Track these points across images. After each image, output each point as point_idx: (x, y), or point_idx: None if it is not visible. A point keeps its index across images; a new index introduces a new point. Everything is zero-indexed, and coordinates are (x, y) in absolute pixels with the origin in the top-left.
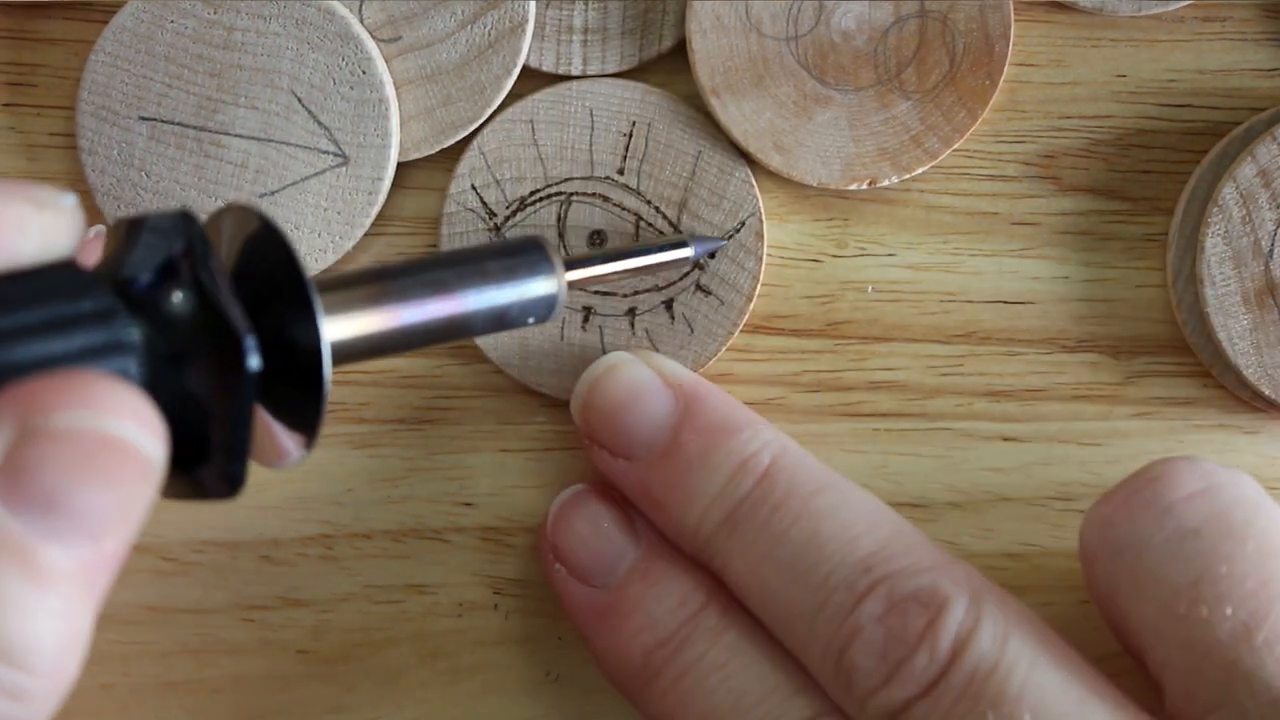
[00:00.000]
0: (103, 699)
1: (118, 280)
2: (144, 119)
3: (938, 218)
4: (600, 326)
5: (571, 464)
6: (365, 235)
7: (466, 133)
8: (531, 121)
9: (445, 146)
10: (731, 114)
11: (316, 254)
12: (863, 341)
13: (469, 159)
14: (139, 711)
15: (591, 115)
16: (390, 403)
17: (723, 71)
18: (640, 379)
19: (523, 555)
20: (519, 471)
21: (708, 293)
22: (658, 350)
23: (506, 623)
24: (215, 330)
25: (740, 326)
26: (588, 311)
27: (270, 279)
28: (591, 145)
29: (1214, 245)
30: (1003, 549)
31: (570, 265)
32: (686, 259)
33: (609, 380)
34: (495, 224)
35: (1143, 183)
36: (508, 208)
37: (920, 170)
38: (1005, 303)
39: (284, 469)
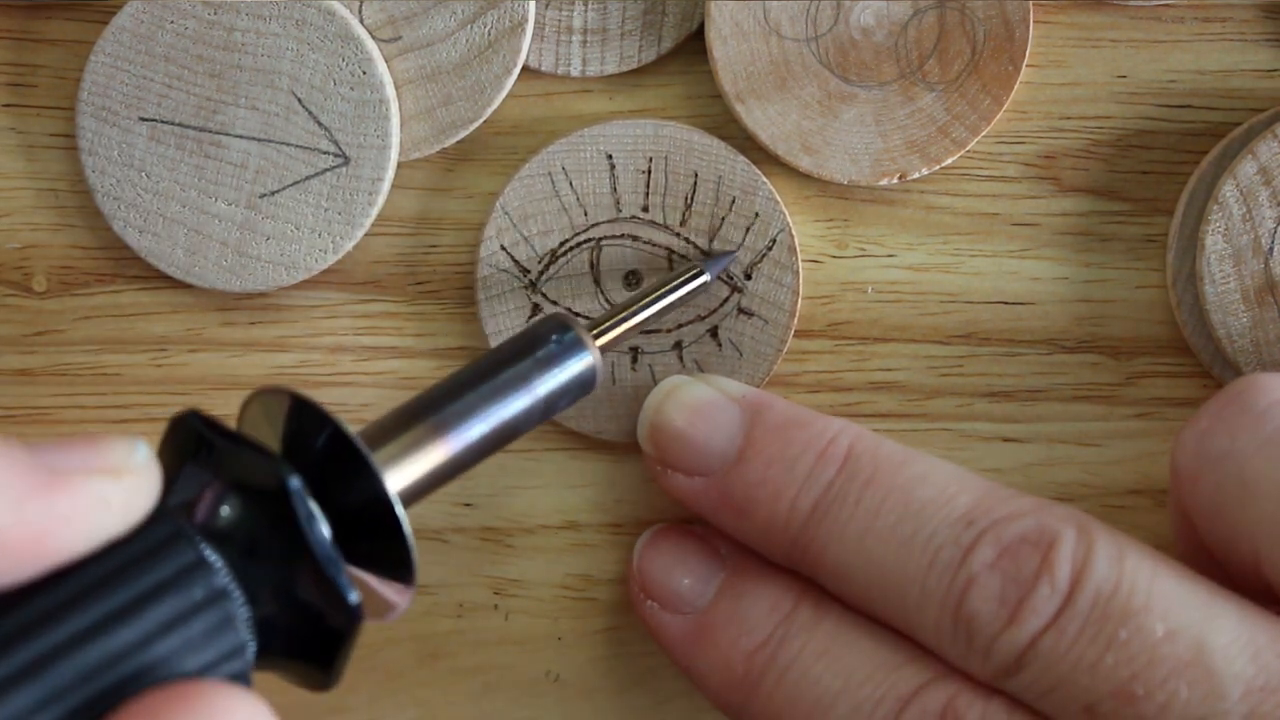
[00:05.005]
0: None
1: (207, 527)
2: (144, 119)
3: (938, 218)
4: (650, 365)
5: (571, 464)
6: (365, 235)
7: (467, 132)
8: (550, 174)
9: (445, 146)
10: (757, 118)
11: (316, 254)
12: (863, 342)
13: (494, 220)
14: None
15: (608, 158)
16: (390, 403)
17: (745, 77)
18: (703, 395)
19: (523, 555)
20: (519, 471)
21: (750, 315)
22: None
23: (506, 623)
24: (316, 571)
25: (788, 343)
26: (635, 352)
27: (326, 455)
28: (613, 187)
29: (1214, 243)
30: None
31: (598, 332)
32: (705, 284)
33: (673, 402)
34: (530, 280)
35: (1143, 183)
36: (539, 262)
37: (950, 160)
38: (1005, 303)
39: (395, 619)
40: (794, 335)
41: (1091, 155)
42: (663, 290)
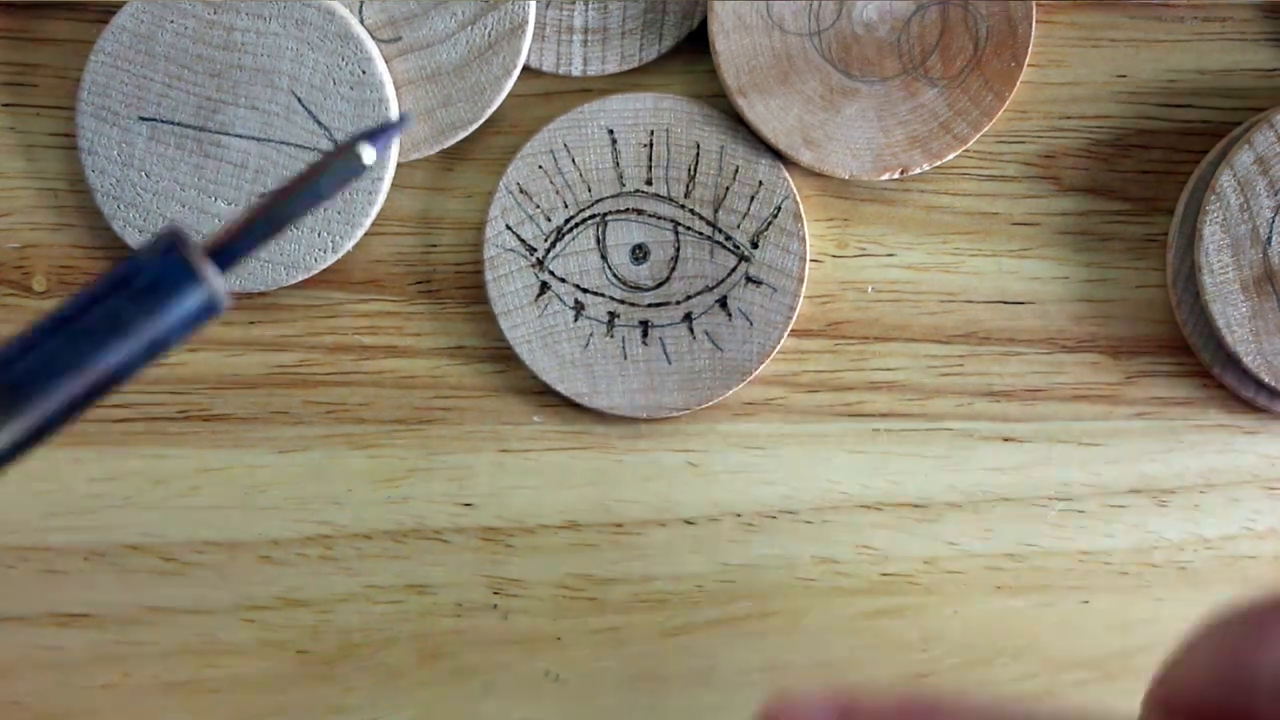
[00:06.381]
0: (103, 699)
1: None
2: (144, 119)
3: (938, 218)
4: (660, 338)
5: (571, 464)
6: (365, 235)
7: (466, 133)
8: (552, 151)
9: (445, 147)
10: (759, 112)
11: (316, 254)
12: (863, 341)
13: (499, 199)
14: (139, 711)
15: (610, 133)
16: (390, 403)
17: (748, 71)
18: None
19: (522, 555)
20: (519, 471)
21: (759, 283)
22: (721, 349)
23: (506, 623)
24: None
25: (797, 310)
26: (645, 326)
27: None
28: (616, 162)
29: (1212, 233)
30: (1003, 549)
31: (216, 249)
32: (362, 167)
33: None
34: (537, 258)
35: (1143, 183)
36: (546, 240)
37: (951, 156)
38: (1005, 303)
39: None
40: (794, 335)
41: (1091, 155)
42: (312, 186)
